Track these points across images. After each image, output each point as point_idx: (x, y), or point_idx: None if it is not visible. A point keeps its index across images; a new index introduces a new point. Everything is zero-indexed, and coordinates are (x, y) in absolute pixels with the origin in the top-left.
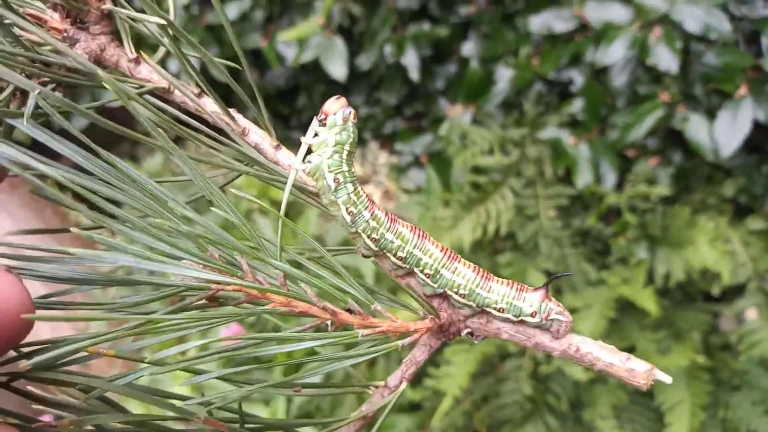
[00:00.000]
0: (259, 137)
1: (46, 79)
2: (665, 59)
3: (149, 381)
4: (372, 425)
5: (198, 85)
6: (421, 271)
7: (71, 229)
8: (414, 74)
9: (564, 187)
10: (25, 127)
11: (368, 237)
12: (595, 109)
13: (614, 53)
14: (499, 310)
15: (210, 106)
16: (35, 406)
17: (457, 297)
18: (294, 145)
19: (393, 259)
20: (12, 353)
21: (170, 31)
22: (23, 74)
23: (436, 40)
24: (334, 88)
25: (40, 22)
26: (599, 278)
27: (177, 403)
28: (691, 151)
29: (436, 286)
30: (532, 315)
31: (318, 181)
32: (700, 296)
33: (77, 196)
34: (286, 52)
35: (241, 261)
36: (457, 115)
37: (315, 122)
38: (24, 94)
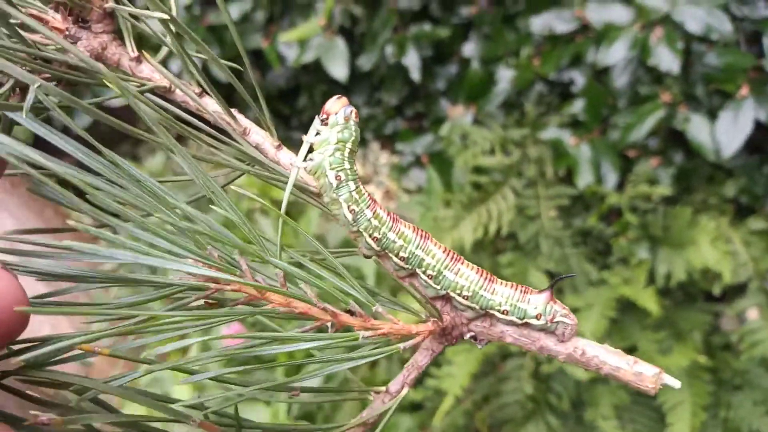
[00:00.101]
0: (261, 137)
1: (47, 75)
2: (666, 60)
3: (150, 381)
4: (373, 430)
5: (199, 85)
6: (424, 272)
7: (69, 222)
8: (415, 75)
9: (565, 187)
10: (24, 120)
11: (370, 236)
12: (596, 110)
13: (615, 54)
14: (503, 313)
15: (211, 105)
16: (32, 412)
17: (460, 299)
18: (295, 146)
19: (395, 259)
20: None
21: (172, 28)
22: (23, 70)
23: (437, 40)
24: (335, 88)
25: (41, 23)
26: (600, 278)
27: (175, 405)
28: (692, 151)
29: (438, 287)
30: (537, 317)
31: (319, 179)
32: (701, 296)
33: (78, 194)
34: (287, 52)
35: (240, 261)
36: (458, 115)
37: (317, 121)
38: (24, 91)
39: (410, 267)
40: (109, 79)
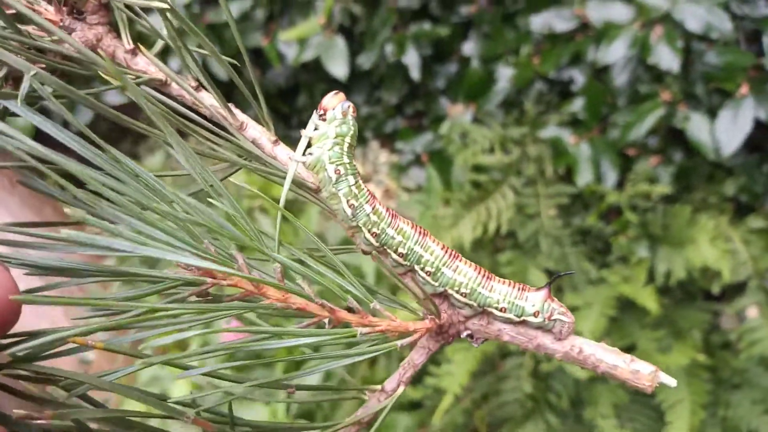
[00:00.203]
0: (257, 132)
1: (41, 66)
2: (666, 58)
3: (149, 380)
4: (369, 429)
5: (196, 79)
6: (422, 269)
7: (65, 209)
8: (415, 73)
9: (564, 185)
10: (19, 109)
11: (369, 231)
12: (595, 108)
13: (615, 52)
14: (500, 310)
15: (208, 99)
16: (16, 411)
17: (458, 296)
18: (295, 144)
19: (394, 255)
20: None
21: (171, 20)
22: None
23: (436, 39)
24: (334, 87)
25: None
26: (600, 277)
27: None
28: (692, 150)
29: (436, 284)
30: (535, 315)
31: (318, 173)
32: (700, 295)
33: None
34: (286, 51)
35: (237, 256)
36: (458, 113)
37: (315, 116)
38: (17, 80)
39: (408, 263)
40: (106, 68)
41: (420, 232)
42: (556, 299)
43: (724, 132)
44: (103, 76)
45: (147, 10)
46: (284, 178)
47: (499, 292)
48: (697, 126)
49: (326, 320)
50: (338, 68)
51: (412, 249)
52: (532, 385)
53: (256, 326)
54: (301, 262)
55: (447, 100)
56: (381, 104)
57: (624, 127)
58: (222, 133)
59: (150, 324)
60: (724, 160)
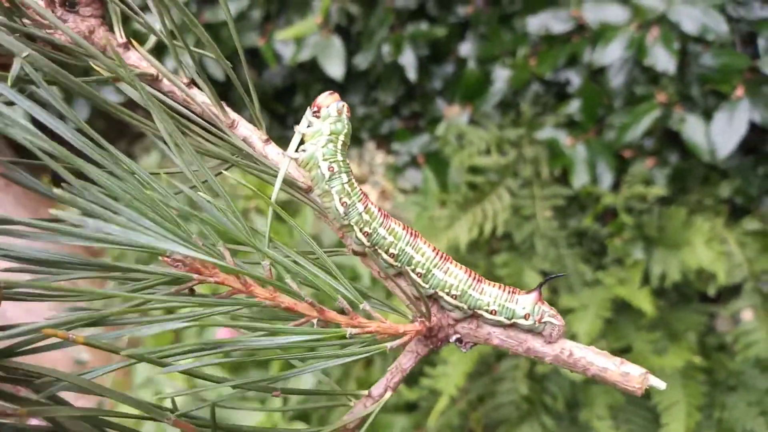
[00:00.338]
0: (249, 130)
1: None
2: (662, 60)
3: (144, 381)
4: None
5: (190, 77)
6: (413, 270)
7: (54, 190)
8: (411, 74)
9: (560, 187)
10: (7, 91)
11: (360, 230)
12: (592, 110)
13: (611, 54)
14: (491, 313)
15: (199, 96)
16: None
17: (448, 298)
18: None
19: (384, 256)
20: None
21: (170, 13)
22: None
23: (433, 40)
24: (331, 87)
25: (22, 6)
26: (595, 279)
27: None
28: (687, 151)
29: (427, 286)
30: (525, 317)
31: (311, 170)
32: (696, 297)
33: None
34: (283, 51)
35: (224, 252)
36: (454, 115)
37: (308, 113)
38: (4, 68)
39: (399, 265)
40: (98, 59)
41: (411, 234)
42: (546, 302)
43: (720, 134)
44: (95, 67)
45: (143, 7)
46: (275, 176)
47: (490, 294)
48: (692, 128)
49: (315, 321)
50: (335, 68)
51: (404, 250)
52: (527, 387)
53: (246, 322)
54: (292, 261)
55: (443, 101)
56: (377, 105)
57: (620, 128)
58: (213, 130)
59: (135, 320)
60: (720, 162)
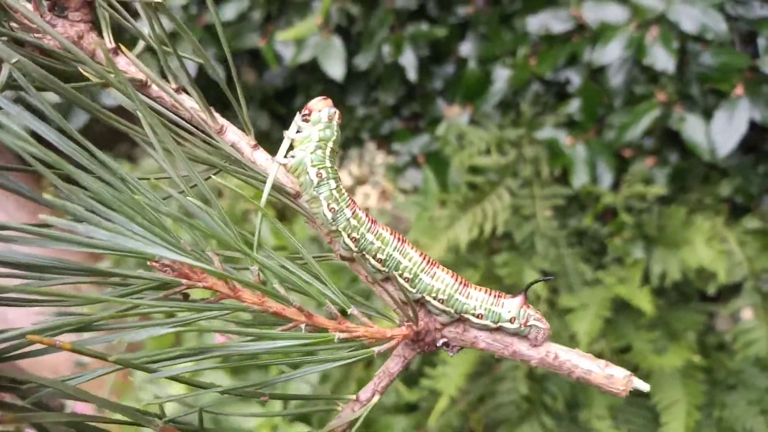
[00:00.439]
0: (237, 136)
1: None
2: (662, 59)
3: (142, 384)
4: None
5: (176, 80)
6: (400, 275)
7: (43, 194)
8: (412, 74)
9: (560, 187)
10: None
11: (348, 236)
12: (591, 109)
13: (611, 53)
14: (477, 317)
15: (188, 102)
16: None
17: (435, 302)
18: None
19: (372, 261)
20: None
21: (159, 19)
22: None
23: (434, 40)
24: (331, 87)
25: (10, 10)
26: (595, 278)
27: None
28: (687, 151)
29: (414, 290)
30: (511, 321)
31: (300, 176)
32: (696, 296)
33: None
34: (284, 51)
35: (213, 257)
36: (455, 115)
37: (298, 118)
38: None
39: (387, 269)
40: (87, 64)
41: (399, 239)
42: (531, 306)
43: (720, 133)
44: (83, 72)
45: (135, 15)
46: (263, 182)
47: (476, 298)
48: (692, 127)
49: (303, 326)
50: (335, 69)
51: (391, 255)
52: (527, 387)
53: (234, 327)
54: (281, 265)
55: (444, 101)
56: (378, 105)
57: (620, 128)
58: (202, 135)
59: (122, 326)
60: (720, 161)
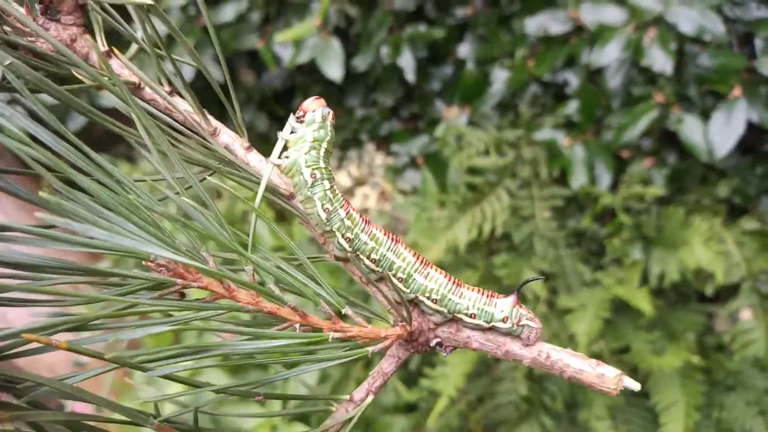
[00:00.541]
0: (231, 138)
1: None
2: (660, 60)
3: (145, 378)
4: None
5: (170, 83)
6: (394, 275)
7: (40, 193)
8: (410, 76)
9: (559, 188)
10: None
11: (342, 236)
12: (590, 111)
13: (609, 55)
14: (470, 316)
15: (182, 105)
16: None
17: (428, 302)
18: None
19: (366, 261)
20: None
21: (152, 22)
22: None
23: (432, 41)
24: (330, 89)
25: (4, 14)
26: (594, 279)
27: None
28: (685, 152)
29: (408, 290)
30: (504, 320)
31: (294, 177)
32: (694, 297)
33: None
34: (282, 53)
35: (207, 257)
36: (453, 116)
37: (292, 118)
38: None
39: (381, 270)
40: (81, 67)
41: (392, 239)
42: (524, 306)
43: (717, 134)
44: (77, 75)
45: (129, 19)
46: (256, 183)
47: (469, 298)
48: (690, 128)
49: (297, 326)
50: (334, 70)
51: (385, 255)
52: (526, 387)
53: (230, 327)
54: (276, 266)
55: (442, 102)
56: (376, 106)
57: (618, 129)
58: (196, 137)
59: (117, 325)
60: (718, 161)
